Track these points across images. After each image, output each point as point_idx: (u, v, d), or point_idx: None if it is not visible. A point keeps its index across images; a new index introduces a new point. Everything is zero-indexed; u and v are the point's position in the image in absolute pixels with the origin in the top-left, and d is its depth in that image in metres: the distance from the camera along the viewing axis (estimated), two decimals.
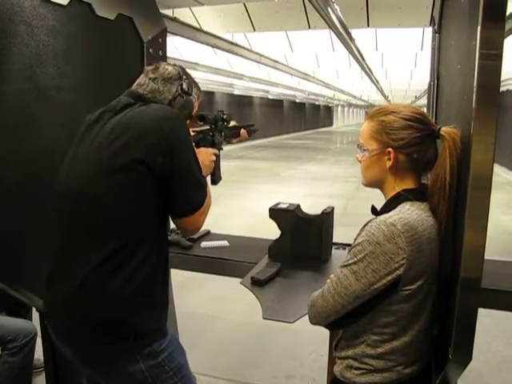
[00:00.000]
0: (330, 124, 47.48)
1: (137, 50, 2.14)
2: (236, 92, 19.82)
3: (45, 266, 1.30)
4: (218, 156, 1.64)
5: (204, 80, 13.04)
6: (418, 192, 1.15)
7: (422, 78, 11.12)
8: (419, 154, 1.14)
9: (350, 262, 1.10)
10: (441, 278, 1.15)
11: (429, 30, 2.85)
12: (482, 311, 1.09)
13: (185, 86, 1.40)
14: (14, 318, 2.26)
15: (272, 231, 2.08)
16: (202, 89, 1.53)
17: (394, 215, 1.08)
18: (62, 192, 1.29)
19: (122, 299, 1.20)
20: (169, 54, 2.37)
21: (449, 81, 1.58)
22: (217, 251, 2.19)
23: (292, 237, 2.02)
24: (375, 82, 15.86)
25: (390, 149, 1.14)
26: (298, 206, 2.08)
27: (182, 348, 1.36)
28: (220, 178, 1.71)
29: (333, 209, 2.07)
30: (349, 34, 6.21)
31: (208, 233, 2.42)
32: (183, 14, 5.51)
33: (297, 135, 30.58)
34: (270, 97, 25.07)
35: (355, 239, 1.13)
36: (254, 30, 6.24)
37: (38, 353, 2.17)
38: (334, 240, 2.16)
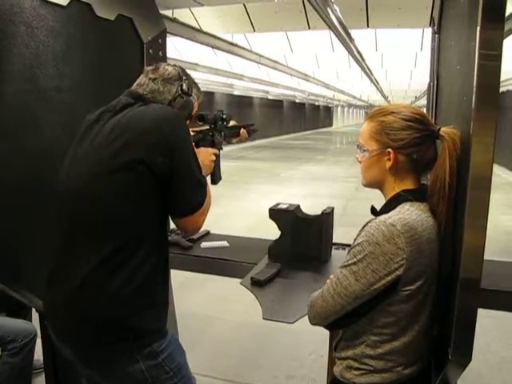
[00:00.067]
0: (330, 124, 47.48)
1: (137, 51, 2.14)
2: (236, 92, 19.82)
3: (45, 267, 1.30)
4: (217, 156, 1.64)
5: (204, 80, 13.04)
6: (418, 192, 1.15)
7: (421, 78, 11.12)
8: (419, 154, 1.14)
9: (349, 262, 1.10)
10: (440, 279, 1.15)
11: (428, 31, 2.85)
12: (481, 311, 1.09)
13: (185, 87, 1.40)
14: (14, 318, 2.26)
15: (272, 232, 2.08)
16: (201, 89, 1.53)
17: (393, 215, 1.08)
18: (61, 192, 1.29)
19: (122, 299, 1.20)
20: (168, 54, 2.37)
21: (448, 81, 1.58)
22: (217, 252, 2.19)
23: (292, 237, 2.03)
24: (375, 83, 15.87)
25: (389, 149, 1.14)
26: (298, 206, 2.08)
27: (181, 348, 1.36)
28: (220, 178, 1.71)
29: (332, 209, 2.07)
30: (348, 34, 6.21)
31: (208, 233, 2.42)
32: (183, 14, 5.51)
33: (296, 135, 30.58)
34: (270, 97, 25.08)
35: (355, 239, 1.13)
36: (254, 30, 6.24)
37: (38, 353, 2.17)
38: (334, 240, 2.16)
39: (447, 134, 1.12)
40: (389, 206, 1.15)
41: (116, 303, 1.20)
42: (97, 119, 1.31)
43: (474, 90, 0.98)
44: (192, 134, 1.52)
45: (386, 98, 27.04)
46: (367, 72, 11.80)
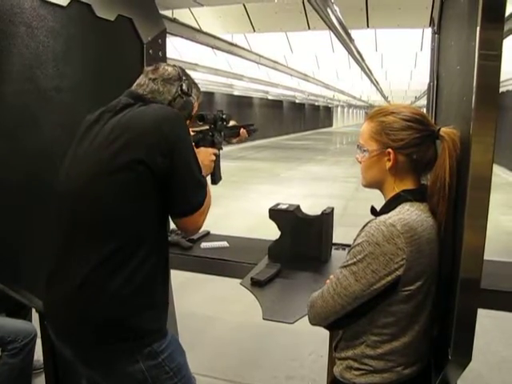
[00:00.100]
0: (330, 125, 47.49)
1: (136, 51, 2.14)
2: (236, 93, 19.83)
3: (45, 267, 1.30)
4: (217, 156, 1.64)
5: (204, 81, 13.04)
6: (418, 193, 1.15)
7: (421, 78, 11.12)
8: (419, 154, 1.14)
9: (349, 262, 1.10)
10: (440, 279, 1.15)
11: (428, 31, 2.85)
12: (481, 312, 1.09)
13: (184, 87, 1.41)
14: (14, 319, 2.26)
15: (272, 232, 2.08)
16: (201, 89, 1.53)
17: (393, 216, 1.08)
18: (61, 192, 1.29)
19: (122, 299, 1.20)
20: (168, 54, 2.37)
21: (448, 81, 1.58)
22: (217, 252, 2.19)
23: (292, 237, 2.03)
24: (375, 83, 15.87)
25: (389, 149, 1.14)
26: (298, 206, 2.08)
27: (181, 348, 1.37)
28: (220, 178, 1.71)
29: (332, 209, 2.07)
30: (348, 34, 6.22)
31: (208, 233, 2.42)
32: (183, 14, 5.51)
33: (296, 136, 30.58)
34: (270, 97, 25.09)
35: (354, 240, 1.13)
36: (254, 30, 6.24)
37: (38, 354, 2.17)
38: (334, 240, 2.16)
39: (447, 134, 1.12)
40: (389, 207, 1.15)
41: (116, 303, 1.20)
42: (97, 119, 1.31)
43: (474, 90, 0.98)
44: (192, 134, 1.52)
45: (385, 98, 27.05)
46: (367, 72, 11.80)
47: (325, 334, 1.48)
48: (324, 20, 4.89)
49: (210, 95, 18.44)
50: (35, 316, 2.04)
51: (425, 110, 1.88)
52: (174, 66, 1.44)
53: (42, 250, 1.36)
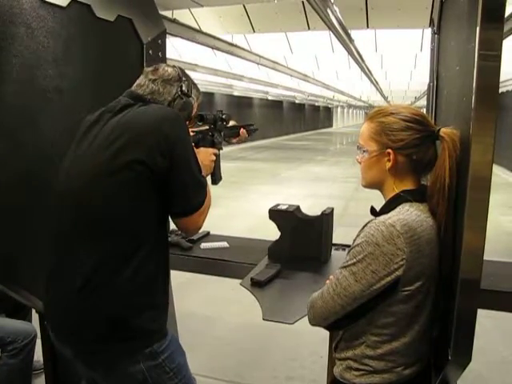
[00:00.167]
0: (330, 125, 47.50)
1: (136, 52, 2.14)
2: (235, 93, 19.84)
3: (44, 267, 1.31)
4: (217, 156, 1.64)
5: (203, 81, 13.05)
6: (418, 193, 1.15)
7: (421, 78, 11.13)
8: (418, 155, 1.14)
9: (349, 263, 1.10)
10: (440, 279, 1.15)
11: (428, 31, 2.85)
12: (481, 312, 1.09)
13: (184, 88, 1.40)
14: (14, 319, 2.26)
15: (272, 232, 2.08)
16: (201, 90, 1.53)
17: (393, 216, 1.08)
18: (61, 192, 1.29)
19: (122, 299, 1.20)
20: (168, 55, 2.37)
21: (448, 82, 1.58)
22: (217, 252, 2.19)
23: (292, 238, 2.03)
24: (375, 83, 15.88)
25: (389, 150, 1.14)
26: (298, 207, 2.08)
27: (182, 349, 1.37)
28: (220, 178, 1.71)
29: (332, 210, 2.07)
30: (348, 35, 6.22)
31: (208, 234, 2.42)
32: (183, 15, 5.52)
33: (296, 136, 30.59)
34: (270, 98, 25.10)
35: (354, 240, 1.13)
36: (254, 31, 6.25)
37: (38, 354, 2.17)
38: (334, 241, 2.16)
39: (447, 134, 1.12)
40: (388, 207, 1.15)
41: (117, 303, 1.20)
42: (96, 120, 1.31)
43: (474, 90, 0.98)
44: (192, 134, 1.52)
45: (385, 98, 27.06)
46: (367, 73, 11.81)
47: (325, 334, 1.48)
48: (324, 20, 4.90)
49: (209, 96, 18.45)
50: (35, 317, 2.03)
51: (425, 111, 1.88)
52: (174, 66, 1.44)
53: (41, 250, 1.36)
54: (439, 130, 1.14)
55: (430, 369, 1.23)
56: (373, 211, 1.22)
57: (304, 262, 1.97)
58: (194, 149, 1.35)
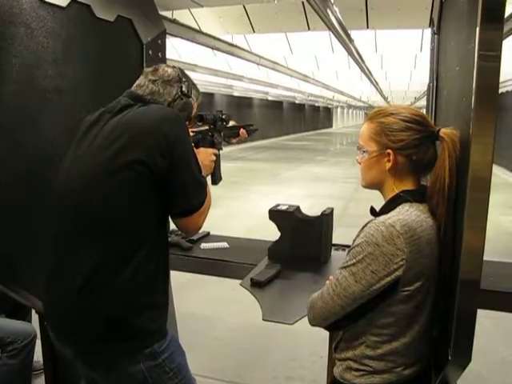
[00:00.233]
0: (330, 125, 47.51)
1: (136, 52, 2.14)
2: (235, 93, 19.84)
3: (44, 267, 1.31)
4: (217, 156, 1.64)
5: (203, 82, 13.04)
6: (417, 193, 1.15)
7: (421, 79, 11.14)
8: (418, 155, 1.14)
9: (348, 263, 1.10)
10: (440, 279, 1.15)
11: (428, 32, 2.85)
12: (481, 312, 1.09)
13: (184, 89, 1.41)
14: (14, 320, 2.26)
15: (272, 232, 2.08)
16: (201, 90, 1.53)
17: (392, 216, 1.08)
18: (61, 192, 1.29)
19: (122, 299, 1.20)
20: (168, 55, 2.37)
21: (448, 82, 1.58)
22: (216, 253, 2.19)
23: (292, 238, 2.03)
24: (375, 84, 15.88)
25: (389, 150, 1.14)
26: (298, 207, 2.08)
27: (181, 349, 1.37)
28: (220, 178, 1.71)
29: (332, 210, 2.07)
30: (348, 35, 6.22)
31: (208, 234, 2.42)
32: (182, 15, 5.51)
33: (296, 136, 30.59)
34: (270, 98, 25.10)
35: (354, 240, 1.13)
36: (254, 31, 6.25)
37: (38, 355, 2.17)
38: (334, 241, 2.16)
39: (447, 134, 1.12)
40: (388, 207, 1.15)
41: (117, 303, 1.20)
42: (96, 120, 1.31)
43: (474, 90, 0.98)
44: (191, 134, 1.52)
45: (385, 98, 27.06)
46: (367, 73, 11.81)
47: (325, 334, 1.48)
48: (324, 21, 4.90)
49: (209, 96, 18.44)
50: (35, 317, 2.03)
51: (424, 111, 1.88)
52: (174, 67, 1.44)
53: (41, 250, 1.36)
54: (439, 130, 1.14)
55: (429, 369, 1.23)
56: (372, 211, 1.22)
57: (304, 263, 1.97)
58: (194, 149, 1.35)
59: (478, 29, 0.96)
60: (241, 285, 1.78)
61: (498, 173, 11.39)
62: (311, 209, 2.30)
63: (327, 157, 17.13)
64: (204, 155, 1.53)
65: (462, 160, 1.09)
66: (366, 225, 1.12)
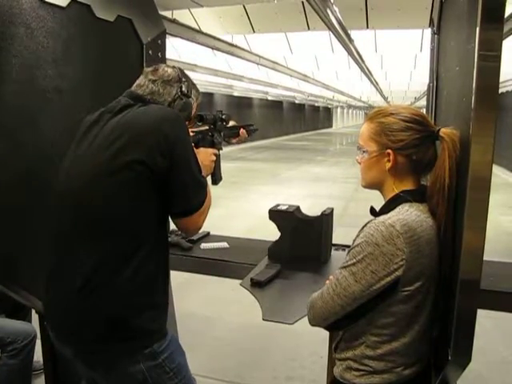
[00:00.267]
0: (330, 125, 47.51)
1: (136, 52, 2.14)
2: (235, 93, 19.84)
3: (44, 267, 1.31)
4: (217, 156, 1.64)
5: (203, 82, 13.04)
6: (417, 193, 1.15)
7: (421, 79, 11.14)
8: (418, 155, 1.14)
9: (348, 263, 1.10)
10: (440, 279, 1.15)
11: (428, 32, 2.85)
12: (481, 312, 1.09)
13: (184, 89, 1.41)
14: (14, 320, 2.26)
15: (272, 232, 2.08)
16: (201, 90, 1.53)
17: (392, 216, 1.08)
18: (61, 192, 1.30)
19: (122, 299, 1.20)
20: (167, 55, 2.37)
21: (448, 82, 1.58)
22: (216, 253, 2.19)
23: (292, 238, 2.03)
24: (375, 84, 15.88)
25: (389, 150, 1.14)
26: (298, 207, 2.08)
27: (181, 349, 1.37)
28: (220, 178, 1.71)
29: (332, 210, 2.07)
30: (348, 35, 6.22)
31: (208, 234, 2.42)
32: (182, 15, 5.51)
33: (296, 136, 30.59)
34: (270, 98, 25.10)
35: (354, 240, 1.13)
36: (254, 31, 6.24)
37: (38, 355, 2.17)
38: (334, 241, 2.16)
39: (447, 134, 1.12)
40: (388, 207, 1.15)
41: (117, 303, 1.20)
42: (96, 120, 1.31)
43: (474, 90, 0.98)
44: (191, 134, 1.52)
45: (385, 98, 27.06)
46: (367, 73, 11.80)
47: (325, 334, 1.48)
48: (324, 20, 4.89)
49: (209, 96, 18.45)
50: (35, 317, 2.03)
51: (424, 111, 1.88)
52: (174, 67, 1.44)
53: (41, 250, 1.36)
54: (439, 130, 1.14)
55: (429, 369, 1.23)
56: (372, 211, 1.22)
57: (304, 263, 1.97)
58: (194, 149, 1.35)
59: (478, 29, 0.96)
60: (241, 285, 1.78)
61: (498, 173, 11.39)
62: (311, 209, 2.30)
63: (327, 157, 17.13)
64: (204, 155, 1.53)
65: (462, 160, 1.09)
66: (365, 225, 1.12)
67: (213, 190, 1.42)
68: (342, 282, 1.10)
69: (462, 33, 1.19)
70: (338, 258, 2.03)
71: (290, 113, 31.60)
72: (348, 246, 1.19)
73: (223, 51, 7.66)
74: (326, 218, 2.00)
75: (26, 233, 1.64)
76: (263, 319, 1.53)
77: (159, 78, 1.38)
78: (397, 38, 8.12)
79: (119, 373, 1.24)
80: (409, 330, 1.12)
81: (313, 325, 1.22)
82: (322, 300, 1.15)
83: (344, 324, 1.17)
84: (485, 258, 1.04)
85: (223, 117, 1.71)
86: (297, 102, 30.74)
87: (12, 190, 1.59)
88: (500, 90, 10.11)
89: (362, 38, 7.49)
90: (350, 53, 7.86)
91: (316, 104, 37.11)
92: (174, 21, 5.36)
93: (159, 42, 2.26)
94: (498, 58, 0.96)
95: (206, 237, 2.40)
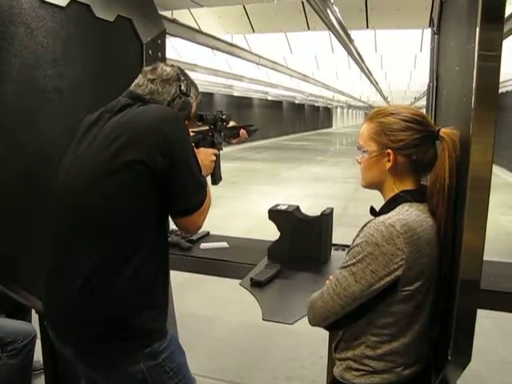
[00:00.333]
0: (330, 125, 47.50)
1: (136, 52, 2.14)
2: (235, 93, 19.83)
3: (44, 267, 1.30)
4: (217, 156, 1.64)
5: (203, 82, 13.04)
6: (417, 193, 1.15)
7: (421, 79, 11.14)
8: (418, 155, 1.14)
9: (348, 263, 1.10)
10: (440, 279, 1.15)
11: (428, 32, 2.85)
12: (481, 312, 1.09)
13: (183, 87, 1.40)
14: (14, 319, 2.26)
15: (271, 232, 2.08)
16: (201, 90, 1.53)
17: (392, 216, 1.08)
18: (61, 192, 1.29)
19: (122, 299, 1.20)
20: (167, 55, 2.37)
21: (448, 82, 1.58)
22: (216, 252, 2.19)
23: (291, 238, 2.03)
24: (374, 84, 15.88)
25: (389, 150, 1.14)
26: (298, 207, 2.08)
27: (181, 349, 1.37)
28: (220, 179, 1.71)
29: (332, 210, 2.07)
30: (348, 35, 6.22)
31: (207, 234, 2.42)
32: (182, 15, 5.51)
33: (296, 136, 30.59)
34: (270, 98, 25.09)
35: (354, 240, 1.13)
36: (253, 31, 6.24)
37: (38, 354, 2.17)
38: (334, 241, 2.16)
39: (447, 134, 1.12)
40: (388, 207, 1.15)
41: (117, 303, 1.20)
42: (96, 120, 1.31)
43: (474, 90, 0.98)
44: (192, 134, 1.52)
45: (385, 98, 27.06)
46: (367, 73, 11.80)
47: (324, 334, 1.48)
48: (323, 20, 4.89)
49: (209, 96, 18.44)
50: (35, 317, 2.03)
51: (424, 111, 1.88)
52: (173, 65, 1.44)
53: (41, 250, 1.36)
54: (439, 130, 1.14)
55: (429, 369, 1.23)
56: (372, 211, 1.22)
57: (304, 263, 1.97)
58: (194, 149, 1.35)
59: (478, 29, 0.96)
60: (240, 284, 1.77)
61: (498, 173, 11.39)
62: (311, 209, 2.30)
63: (327, 157, 17.13)
64: (204, 155, 1.53)
65: (462, 160, 1.09)
66: (365, 225, 1.12)
67: (213, 190, 1.42)
68: (341, 281, 1.10)
69: (462, 33, 1.19)
70: (337, 257, 2.03)
71: (289, 113, 31.59)
72: (348, 246, 1.19)
73: (223, 51, 7.66)
74: (326, 217, 2.00)
75: (26, 233, 1.64)
76: (263, 319, 1.53)
77: (158, 77, 1.38)
78: (397, 38, 8.12)
79: (119, 372, 1.24)
80: (409, 329, 1.12)
81: (313, 325, 1.22)
82: (321, 300, 1.15)
83: (344, 324, 1.17)
84: (485, 257, 1.04)
85: (223, 117, 1.71)
86: (297, 102, 30.74)
87: (12, 190, 1.59)
88: (500, 90, 10.10)
89: (361, 37, 7.48)
90: (349, 53, 7.86)
91: (316, 104, 37.11)
92: (173, 21, 5.36)
93: (159, 41, 2.25)
94: (498, 58, 0.96)
95: (206, 237, 2.39)
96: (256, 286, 1.75)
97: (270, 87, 17.69)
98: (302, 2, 5.22)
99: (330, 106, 44.03)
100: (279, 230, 2.05)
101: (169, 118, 1.26)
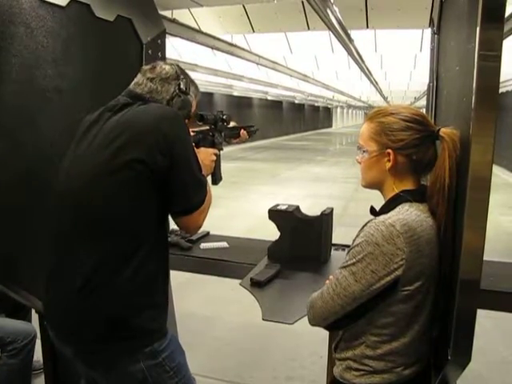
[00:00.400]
0: (330, 125, 47.51)
1: (136, 52, 2.14)
2: (235, 93, 19.84)
3: (44, 267, 1.30)
4: (218, 156, 1.64)
5: (203, 81, 13.04)
6: (417, 193, 1.15)
7: (421, 79, 11.14)
8: (418, 155, 1.14)
9: (348, 263, 1.10)
10: (440, 279, 1.15)
11: (428, 31, 2.85)
12: (481, 312, 1.09)
13: (182, 86, 1.40)
14: (14, 319, 2.26)
15: (271, 232, 2.08)
16: (201, 90, 1.52)
17: (392, 216, 1.08)
18: (61, 192, 1.29)
19: (122, 299, 1.20)
20: (167, 55, 2.37)
21: (448, 82, 1.58)
22: (216, 252, 2.19)
23: (291, 238, 2.03)
24: (374, 83, 15.88)
25: (389, 150, 1.14)
26: (297, 207, 2.08)
27: (181, 348, 1.37)
28: (220, 178, 1.71)
29: (332, 210, 2.07)
30: (348, 35, 6.22)
31: (207, 234, 2.42)
32: (182, 15, 5.51)
33: (296, 136, 30.59)
34: (270, 98, 25.10)
35: (354, 240, 1.13)
36: (253, 31, 6.25)
37: (38, 354, 2.17)
38: (334, 241, 2.16)
39: (447, 134, 1.12)
40: (388, 207, 1.15)
41: (117, 303, 1.20)
42: (96, 119, 1.31)
43: (474, 90, 0.98)
44: (192, 134, 1.52)
45: (385, 98, 27.06)
46: (367, 73, 11.81)
47: (324, 334, 1.48)
48: (323, 20, 4.90)
49: (209, 96, 18.44)
50: (35, 317, 2.03)
51: (424, 111, 1.88)
52: (172, 64, 1.43)
53: (41, 250, 1.36)
54: (439, 130, 1.14)
55: (429, 369, 1.23)
56: (372, 211, 1.22)
57: (304, 262, 1.97)
58: (195, 149, 1.35)
59: (478, 29, 0.96)
60: (240, 284, 1.78)
61: (498, 173, 11.39)
62: (311, 209, 2.30)
63: (327, 157, 17.13)
64: (204, 155, 1.53)
65: (462, 160, 1.09)
66: (365, 224, 1.12)
67: (213, 190, 1.42)
68: (341, 281, 1.10)
69: (462, 33, 1.19)
70: (337, 257, 2.03)
71: (289, 113, 31.59)
72: (348, 246, 1.19)
73: (223, 51, 7.66)
74: (326, 217, 2.00)
75: (26, 233, 1.64)
76: (263, 319, 1.53)
77: (157, 76, 1.38)
78: (397, 38, 8.12)
79: (119, 372, 1.24)
80: (409, 329, 1.12)
81: (313, 325, 1.22)
82: (321, 300, 1.15)
83: (344, 324, 1.17)
84: (485, 257, 1.04)
85: (224, 117, 1.71)
86: (296, 101, 30.74)
87: (12, 190, 1.59)
88: (500, 90, 10.11)
89: (361, 37, 7.49)
90: (349, 53, 7.86)
91: (316, 104, 37.11)
92: (173, 20, 5.36)
93: (159, 41, 2.25)
94: (498, 58, 0.96)
95: (206, 236, 2.39)
96: (256, 285, 1.75)
97: (269, 87, 17.69)
98: (302, 2, 5.22)
99: (329, 106, 44.03)
100: (279, 229, 2.05)
101: (169, 117, 1.26)
